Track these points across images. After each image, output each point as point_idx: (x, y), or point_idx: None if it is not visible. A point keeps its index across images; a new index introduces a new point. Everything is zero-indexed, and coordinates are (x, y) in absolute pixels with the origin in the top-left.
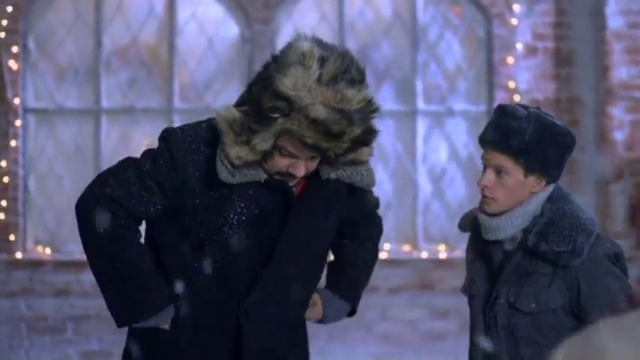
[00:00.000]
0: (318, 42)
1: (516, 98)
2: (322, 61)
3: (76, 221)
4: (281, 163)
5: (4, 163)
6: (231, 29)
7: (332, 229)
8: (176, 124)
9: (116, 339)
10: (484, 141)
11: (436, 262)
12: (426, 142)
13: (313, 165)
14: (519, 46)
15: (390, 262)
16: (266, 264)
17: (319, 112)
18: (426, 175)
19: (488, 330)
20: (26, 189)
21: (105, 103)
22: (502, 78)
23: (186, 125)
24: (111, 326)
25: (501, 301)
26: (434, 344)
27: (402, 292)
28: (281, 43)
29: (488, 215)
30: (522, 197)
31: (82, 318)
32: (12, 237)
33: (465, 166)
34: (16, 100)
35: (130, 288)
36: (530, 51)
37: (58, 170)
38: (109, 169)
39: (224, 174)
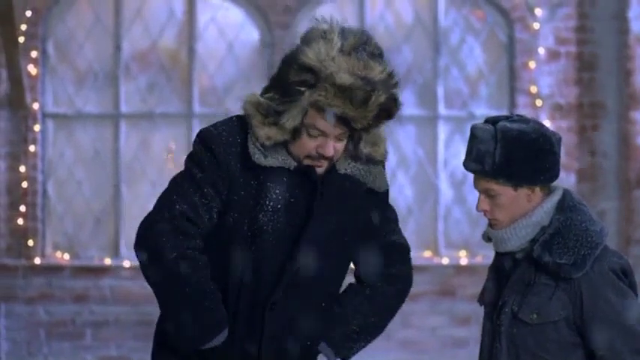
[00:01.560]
0: (337, 22)
1: (538, 103)
2: (343, 34)
3: (135, 242)
4: (310, 144)
5: (22, 169)
6: (251, 34)
7: (354, 224)
8: (196, 130)
9: (135, 345)
10: (465, 168)
11: (457, 268)
12: (448, 147)
13: (341, 146)
14: (541, 51)
15: None
16: (291, 254)
17: (344, 78)
18: (447, 180)
19: (494, 339)
20: (45, 194)
21: (124, 108)
22: (524, 83)
23: (218, 122)
24: (130, 332)
25: (507, 309)
26: (455, 351)
27: (422, 298)
28: None
29: None
30: (525, 208)
31: (101, 324)
32: (31, 242)
33: None
34: (35, 105)
35: (199, 310)
36: (553, 55)
37: (77, 175)
38: (165, 193)
39: (256, 155)
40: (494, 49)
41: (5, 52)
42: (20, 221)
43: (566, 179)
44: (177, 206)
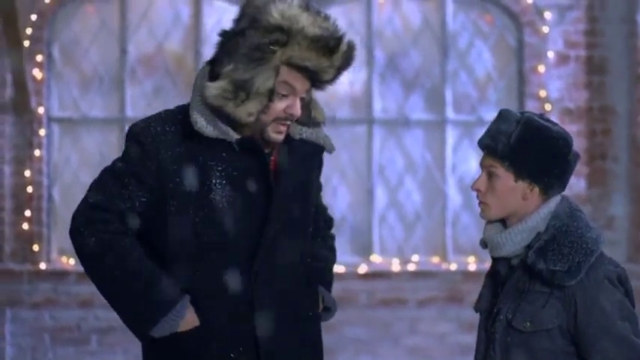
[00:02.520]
0: None
1: (547, 107)
2: None
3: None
4: (279, 106)
5: (28, 173)
6: None
7: (314, 182)
8: None
9: (140, 351)
10: (479, 144)
11: (465, 274)
12: (456, 152)
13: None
14: (551, 55)
15: (418, 274)
16: (262, 225)
17: (316, 31)
18: (456, 185)
19: (488, 347)
20: (50, 199)
21: (130, 113)
22: (533, 87)
23: (146, 117)
24: (135, 338)
25: (501, 317)
26: (463, 358)
27: (430, 304)
28: None
29: (488, 224)
30: (517, 206)
31: (107, 330)
32: (36, 247)
33: None
34: (41, 110)
35: (139, 291)
36: (562, 59)
37: (83, 180)
38: (88, 190)
39: (199, 124)
40: (503, 53)
41: (10, 56)
42: (25, 226)
43: (576, 184)
44: (91, 200)
